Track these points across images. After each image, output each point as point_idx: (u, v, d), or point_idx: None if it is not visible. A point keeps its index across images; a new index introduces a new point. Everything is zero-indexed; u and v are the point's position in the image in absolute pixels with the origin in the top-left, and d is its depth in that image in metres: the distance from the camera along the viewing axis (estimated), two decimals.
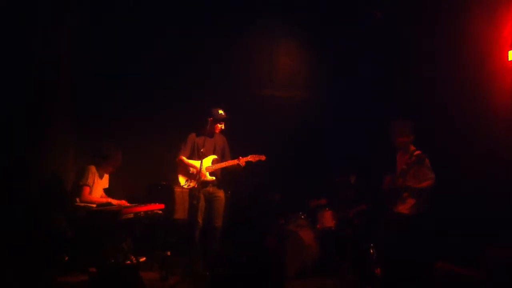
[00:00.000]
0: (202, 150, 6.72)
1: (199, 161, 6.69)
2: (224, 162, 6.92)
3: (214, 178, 6.90)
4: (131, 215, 6.60)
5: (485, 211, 5.87)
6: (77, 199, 6.72)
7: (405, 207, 6.05)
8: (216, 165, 6.93)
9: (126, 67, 8.22)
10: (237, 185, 7.54)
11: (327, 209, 7.63)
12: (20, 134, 6.61)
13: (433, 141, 6.42)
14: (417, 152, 5.90)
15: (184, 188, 6.99)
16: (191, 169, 6.87)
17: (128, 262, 6.47)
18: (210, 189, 6.91)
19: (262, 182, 8.26)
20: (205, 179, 6.80)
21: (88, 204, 6.71)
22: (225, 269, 5.71)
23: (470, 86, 6.27)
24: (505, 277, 4.75)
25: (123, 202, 6.98)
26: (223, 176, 7.04)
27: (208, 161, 6.91)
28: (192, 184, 6.81)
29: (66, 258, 6.40)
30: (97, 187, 6.97)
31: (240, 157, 6.84)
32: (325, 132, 8.79)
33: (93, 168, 6.89)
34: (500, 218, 5.63)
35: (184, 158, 6.91)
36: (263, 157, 6.87)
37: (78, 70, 7.78)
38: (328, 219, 7.53)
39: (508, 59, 5.69)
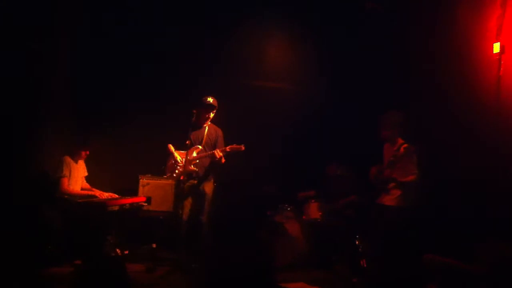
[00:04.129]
0: (187, 141, 6.71)
1: (184, 152, 6.76)
2: (204, 153, 6.87)
3: (196, 169, 6.84)
4: (117, 207, 6.64)
5: (475, 206, 5.90)
6: (58, 192, 6.80)
7: (389, 199, 6.07)
8: (198, 155, 6.88)
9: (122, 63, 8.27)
10: (227, 177, 7.55)
11: (313, 200, 7.67)
12: (20, 133, 6.73)
13: (423, 134, 6.47)
14: (406, 145, 5.92)
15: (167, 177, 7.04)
16: (172, 160, 6.93)
17: (114, 254, 6.49)
18: (196, 181, 6.88)
19: (255, 174, 8.30)
20: (188, 169, 6.78)
21: (72, 197, 6.75)
22: (216, 264, 5.72)
23: (455, 79, 6.26)
24: (502, 271, 4.77)
25: (109, 194, 7.02)
26: (211, 168, 6.99)
27: (193, 153, 6.88)
28: (175, 174, 6.82)
29: (50, 249, 6.42)
30: (75, 175, 7.02)
31: (217, 149, 6.75)
32: (319, 124, 8.85)
33: (67, 158, 6.95)
34: (491, 212, 5.68)
35: (170, 147, 7.00)
36: (242, 147, 6.68)
37: (77, 70, 7.93)
38: (314, 211, 7.57)
39: (493, 51, 5.70)
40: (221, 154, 6.68)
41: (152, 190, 7.67)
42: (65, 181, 6.79)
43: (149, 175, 7.86)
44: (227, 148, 6.72)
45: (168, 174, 6.94)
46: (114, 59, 8.15)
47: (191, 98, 7.20)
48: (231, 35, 8.54)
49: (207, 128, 6.99)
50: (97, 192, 6.97)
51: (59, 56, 7.67)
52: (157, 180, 7.78)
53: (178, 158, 6.84)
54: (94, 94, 8.09)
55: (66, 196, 6.76)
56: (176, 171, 6.84)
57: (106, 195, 6.98)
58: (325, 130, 8.73)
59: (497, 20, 5.69)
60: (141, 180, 7.80)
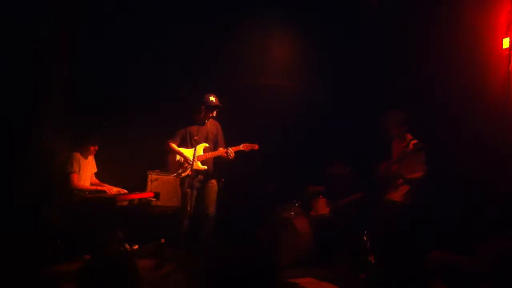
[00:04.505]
0: (195, 138, 6.69)
1: (192, 149, 6.69)
2: (214, 152, 6.88)
3: (206, 167, 6.85)
4: (126, 203, 6.65)
5: (478, 202, 5.93)
6: (68, 188, 6.77)
7: (398, 195, 6.13)
8: (206, 154, 6.88)
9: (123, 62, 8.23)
10: (231, 175, 7.54)
11: (321, 196, 7.69)
12: (20, 133, 6.76)
13: (428, 130, 6.47)
14: (415, 141, 5.97)
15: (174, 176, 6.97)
16: (178, 156, 6.86)
17: (123, 249, 6.47)
18: (202, 177, 6.88)
19: (257, 171, 8.27)
20: (197, 168, 6.75)
21: (81, 192, 6.73)
22: (218, 262, 5.69)
23: (465, 74, 6.27)
24: (506, 269, 4.79)
25: (118, 189, 6.98)
26: (215, 165, 7.02)
27: (199, 150, 6.87)
28: (184, 173, 6.77)
29: (58, 245, 6.39)
30: (85, 171, 7.07)
31: (229, 148, 6.79)
32: (322, 121, 8.84)
33: (76, 155, 6.98)
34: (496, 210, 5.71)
35: (173, 145, 6.88)
36: (256, 146, 6.84)
37: (77, 70, 7.91)
38: (322, 207, 7.59)
39: (502, 46, 5.73)
40: (233, 154, 6.76)
41: (160, 186, 7.69)
42: (75, 176, 6.81)
43: (158, 170, 7.86)
44: (242, 147, 6.81)
45: (177, 173, 6.88)
46: (114, 59, 8.09)
47: (191, 98, 7.19)
48: (231, 35, 8.53)
49: (208, 124, 7.00)
50: (106, 187, 6.97)
51: (59, 56, 7.63)
52: (165, 175, 7.78)
53: (190, 156, 6.78)
54: (94, 94, 8.03)
55: (75, 192, 6.74)
56: (185, 169, 6.80)
57: (115, 190, 6.98)
58: (325, 129, 8.71)
59: (507, 15, 5.73)
60: (149, 175, 7.80)
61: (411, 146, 5.96)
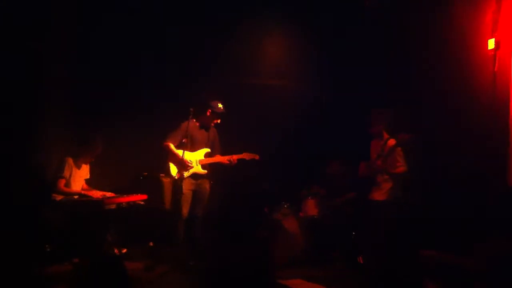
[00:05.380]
0: (195, 141, 6.82)
1: (193, 153, 6.79)
2: (216, 158, 6.91)
3: (206, 171, 6.89)
4: (114, 206, 6.63)
5: (478, 202, 5.91)
6: (54, 191, 6.75)
7: (380, 193, 6.20)
8: (208, 159, 6.92)
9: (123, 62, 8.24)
10: (227, 175, 7.53)
11: (310, 198, 7.71)
12: (20, 134, 6.79)
13: (428, 130, 6.55)
14: (392, 140, 6.08)
15: (174, 178, 6.93)
16: (178, 158, 6.84)
17: (111, 252, 6.49)
18: (199, 180, 6.90)
19: (252, 172, 8.26)
20: (197, 171, 6.81)
21: (70, 196, 6.72)
22: (216, 262, 5.73)
23: (451, 75, 6.30)
24: (501, 269, 4.76)
25: (103, 193, 6.93)
26: (211, 169, 7.02)
27: (201, 154, 6.90)
28: (183, 175, 6.78)
29: (48, 248, 6.41)
30: (76, 178, 6.94)
31: (234, 155, 6.83)
32: (322, 121, 8.85)
33: (70, 160, 6.86)
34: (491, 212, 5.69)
35: (171, 146, 6.82)
36: (257, 156, 6.90)
37: (77, 69, 7.98)
38: (311, 208, 7.62)
39: (488, 47, 5.73)
40: (236, 161, 6.83)
41: (151, 188, 7.64)
42: (61, 181, 6.72)
43: (147, 173, 7.84)
44: (244, 156, 6.88)
45: (176, 174, 6.84)
46: (114, 58, 8.12)
47: (191, 98, 7.21)
48: (231, 35, 8.53)
49: (210, 129, 7.06)
50: (92, 192, 6.87)
51: (59, 56, 7.68)
52: (157, 178, 7.74)
53: (192, 159, 6.83)
54: (94, 94, 8.05)
55: (61, 197, 6.72)
56: (184, 171, 6.81)
57: (100, 193, 6.86)
58: (325, 128, 8.70)
59: (492, 16, 5.71)
60: (141, 178, 7.79)
61: (388, 143, 6.06)
